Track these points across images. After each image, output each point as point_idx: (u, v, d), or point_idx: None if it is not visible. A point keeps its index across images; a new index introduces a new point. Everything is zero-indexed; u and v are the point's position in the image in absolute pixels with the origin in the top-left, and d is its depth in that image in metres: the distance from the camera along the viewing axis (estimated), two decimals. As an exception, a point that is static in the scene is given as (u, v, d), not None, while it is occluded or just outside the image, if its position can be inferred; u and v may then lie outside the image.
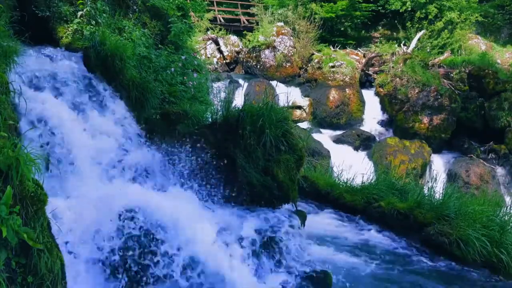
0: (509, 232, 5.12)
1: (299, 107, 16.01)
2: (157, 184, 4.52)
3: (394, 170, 9.91)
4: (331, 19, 20.11)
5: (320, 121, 15.88)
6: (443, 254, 5.07)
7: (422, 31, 18.80)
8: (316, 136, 14.35)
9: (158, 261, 3.52)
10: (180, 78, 6.11)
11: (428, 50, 18.59)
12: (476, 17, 20.22)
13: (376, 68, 17.59)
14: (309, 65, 18.16)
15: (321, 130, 15.53)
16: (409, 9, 19.69)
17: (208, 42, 19.03)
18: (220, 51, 19.40)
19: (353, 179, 6.90)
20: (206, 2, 17.31)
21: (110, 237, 3.46)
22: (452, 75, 16.06)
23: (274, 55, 18.48)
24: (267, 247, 4.10)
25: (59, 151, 3.99)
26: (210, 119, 5.25)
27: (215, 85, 9.42)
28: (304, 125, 14.98)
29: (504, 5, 21.68)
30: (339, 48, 18.74)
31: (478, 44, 19.93)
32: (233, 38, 19.99)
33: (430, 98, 14.92)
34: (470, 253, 4.88)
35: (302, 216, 4.73)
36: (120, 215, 3.61)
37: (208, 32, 19.32)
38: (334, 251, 5.03)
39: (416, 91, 15.23)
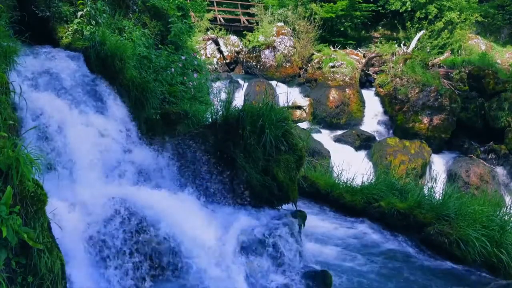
0: (509, 232, 5.12)
1: (299, 107, 16.00)
2: (157, 184, 4.51)
3: (394, 170, 9.91)
4: (331, 19, 20.11)
5: (320, 121, 15.87)
6: (443, 254, 5.07)
7: (422, 31, 18.79)
8: (316, 136, 14.34)
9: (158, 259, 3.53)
10: (180, 78, 6.11)
11: (428, 50, 18.59)
12: (476, 17, 20.22)
13: (376, 68, 17.59)
14: (309, 65, 18.16)
15: (321, 130, 15.52)
16: (409, 9, 19.69)
17: (208, 42, 19.03)
18: (220, 51, 19.40)
19: (353, 179, 6.89)
20: (206, 2, 17.39)
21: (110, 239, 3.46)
22: (452, 75, 16.06)
23: (274, 55, 18.48)
24: (266, 247, 4.10)
25: (58, 151, 3.99)
26: (210, 119, 5.25)
27: (215, 85, 9.41)
28: (304, 125, 14.97)
29: (504, 5, 21.68)
30: (339, 48, 18.74)
31: (478, 44, 19.94)
32: (233, 38, 19.99)
33: (430, 98, 14.91)
34: (470, 253, 4.88)
35: (302, 216, 4.73)
36: (120, 215, 3.62)
37: (208, 32, 19.32)
38: (334, 251, 5.03)
39: (416, 91, 15.23)
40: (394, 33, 21.14)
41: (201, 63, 7.33)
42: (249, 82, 16.19)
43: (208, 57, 18.33)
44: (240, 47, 19.72)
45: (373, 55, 18.14)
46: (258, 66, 18.66)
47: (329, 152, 13.31)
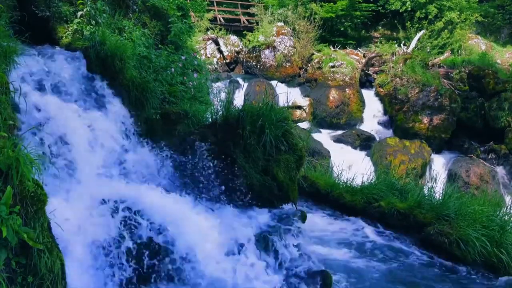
0: (509, 232, 5.12)
1: (299, 107, 16.00)
2: (157, 184, 4.51)
3: (394, 170, 9.91)
4: (331, 19, 20.10)
5: (320, 121, 15.88)
6: (443, 254, 5.07)
7: (422, 31, 18.79)
8: (316, 136, 14.34)
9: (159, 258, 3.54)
10: (180, 78, 6.11)
11: (428, 50, 18.59)
12: (476, 17, 20.22)
13: (376, 68, 17.59)
14: (309, 65, 18.16)
15: (321, 130, 15.53)
16: (409, 9, 19.68)
17: (208, 42, 19.03)
18: (220, 51, 19.40)
19: (353, 179, 6.89)
20: (206, 2, 17.39)
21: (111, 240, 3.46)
22: (452, 75, 16.06)
23: (274, 55, 18.48)
24: (266, 247, 4.10)
25: (58, 151, 3.99)
26: (210, 119, 5.25)
27: (215, 85, 9.41)
28: (304, 125, 14.97)
29: (504, 5, 21.68)
30: (339, 48, 18.73)
31: (478, 44, 19.94)
32: (233, 38, 19.99)
33: (430, 98, 14.91)
34: (470, 253, 4.88)
35: (302, 216, 4.73)
36: (120, 215, 3.62)
37: (208, 32, 19.32)
38: (333, 250, 5.03)
39: (416, 91, 15.23)
40: (394, 33, 21.13)
41: (201, 63, 7.33)
42: (249, 82, 16.19)
43: (208, 57, 18.33)
44: (240, 47, 19.72)
45: (373, 55, 18.14)
46: (258, 66, 18.66)
47: (329, 152, 13.31)
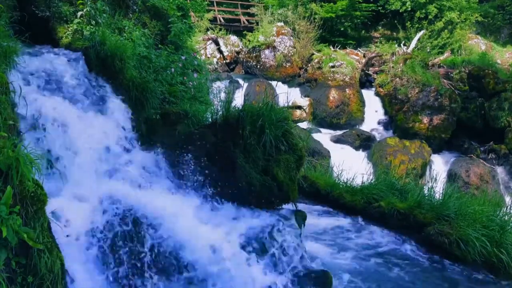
0: (509, 232, 5.12)
1: (299, 107, 16.01)
2: (157, 184, 4.51)
3: (394, 170, 9.91)
4: (331, 19, 20.12)
5: (320, 121, 15.89)
6: (443, 254, 5.07)
7: (422, 31, 18.80)
8: (316, 136, 14.35)
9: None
10: (180, 78, 6.11)
11: (428, 50, 18.60)
12: (476, 17, 20.23)
13: (376, 68, 17.59)
14: (309, 65, 18.17)
15: (321, 130, 15.53)
16: (409, 9, 19.70)
17: (208, 42, 19.04)
18: (220, 51, 19.41)
19: (353, 179, 6.89)
20: (206, 2, 17.40)
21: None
22: (452, 75, 16.06)
23: (274, 55, 18.49)
24: (266, 247, 4.10)
25: (58, 151, 3.99)
26: (210, 119, 5.25)
27: (215, 85, 9.41)
28: (304, 125, 14.97)
29: (504, 5, 21.70)
30: (339, 48, 18.74)
31: (478, 44, 19.95)
32: (233, 38, 20.00)
33: (430, 98, 14.92)
34: (470, 253, 4.88)
35: (302, 216, 4.72)
36: (120, 215, 3.62)
37: (208, 32, 19.34)
38: (333, 251, 5.04)
39: (416, 91, 15.23)
40: (394, 33, 21.15)
41: (201, 63, 7.33)
42: (249, 82, 16.20)
43: (208, 57, 18.34)
44: (240, 47, 19.73)
45: (373, 55, 18.15)
46: (258, 66, 18.67)
47: (329, 152, 13.31)
